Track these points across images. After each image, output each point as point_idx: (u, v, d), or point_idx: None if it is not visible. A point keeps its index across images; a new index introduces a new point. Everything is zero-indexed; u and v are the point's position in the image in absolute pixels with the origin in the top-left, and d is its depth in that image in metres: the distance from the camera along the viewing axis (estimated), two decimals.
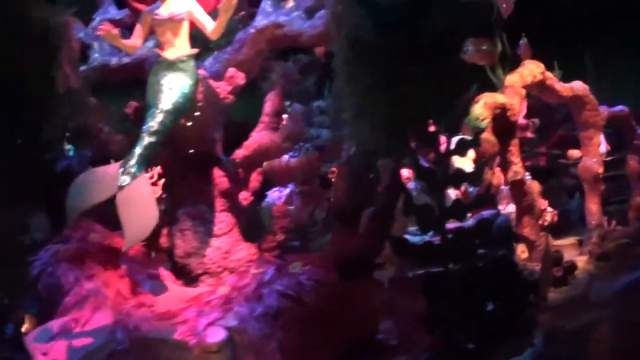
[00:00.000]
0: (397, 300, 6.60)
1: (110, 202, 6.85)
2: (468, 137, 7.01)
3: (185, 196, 7.81)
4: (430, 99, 5.97)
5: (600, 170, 11.18)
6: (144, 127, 7.20)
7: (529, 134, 13.66)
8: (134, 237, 6.73)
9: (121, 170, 6.86)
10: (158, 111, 7.19)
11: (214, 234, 7.65)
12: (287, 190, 10.66)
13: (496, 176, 11.40)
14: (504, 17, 9.77)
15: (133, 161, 6.96)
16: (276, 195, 10.91)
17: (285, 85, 8.23)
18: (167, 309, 6.78)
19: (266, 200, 10.86)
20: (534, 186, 10.14)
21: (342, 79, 6.11)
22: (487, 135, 8.92)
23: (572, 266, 9.66)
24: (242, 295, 6.45)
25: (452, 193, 10.67)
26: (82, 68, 8.51)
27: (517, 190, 9.67)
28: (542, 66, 10.26)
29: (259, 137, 7.61)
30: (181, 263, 7.67)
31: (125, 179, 6.79)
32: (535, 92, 10.55)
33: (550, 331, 8.07)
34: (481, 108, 9.02)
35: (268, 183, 10.97)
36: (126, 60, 8.00)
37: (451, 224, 7.37)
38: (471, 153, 9.02)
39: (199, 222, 7.72)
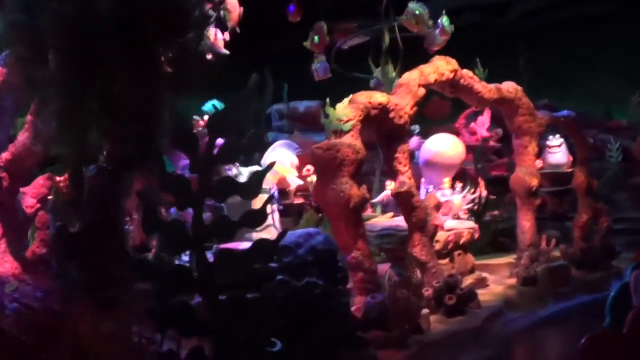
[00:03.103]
0: (135, 334, 5.43)
1: None
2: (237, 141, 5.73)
3: None
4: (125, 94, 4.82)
5: (535, 183, 9.82)
6: None
7: (493, 143, 12.46)
8: None
9: None
10: None
11: None
12: None
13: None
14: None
15: None
16: None
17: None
18: None
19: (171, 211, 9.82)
20: (430, 200, 8.86)
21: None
22: (351, 140, 7.74)
23: (470, 294, 8.34)
24: None
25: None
26: None
27: (405, 203, 8.47)
28: (453, 63, 8.99)
29: (21, 139, 6.59)
30: None
31: None
32: (449, 93, 9.27)
33: None
34: (346, 108, 7.88)
35: None
36: None
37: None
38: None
39: None
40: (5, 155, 6.66)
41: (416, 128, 13.86)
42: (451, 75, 8.97)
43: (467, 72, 9.22)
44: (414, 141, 13.69)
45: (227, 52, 8.25)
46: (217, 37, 8.08)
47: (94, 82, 4.82)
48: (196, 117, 10.48)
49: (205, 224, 5.56)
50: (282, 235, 5.74)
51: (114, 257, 5.27)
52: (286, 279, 6.07)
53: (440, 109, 13.61)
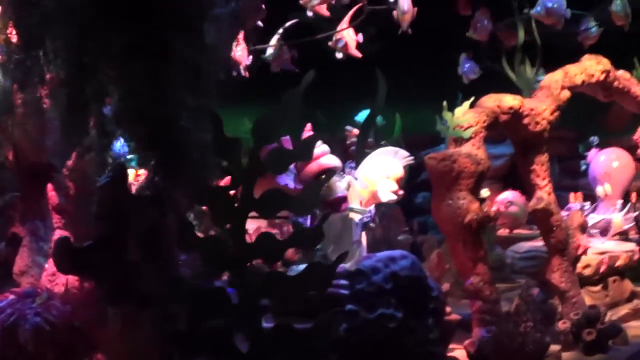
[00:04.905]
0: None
1: None
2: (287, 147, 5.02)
3: (26, 210, 6.85)
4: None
5: None
6: None
7: None
8: None
9: None
10: None
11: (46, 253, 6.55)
12: None
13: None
14: None
15: None
16: None
17: None
18: None
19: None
20: (573, 219, 7.75)
21: None
22: (471, 149, 6.83)
23: (613, 328, 7.19)
24: None
25: None
26: None
27: (543, 222, 7.47)
28: (605, 62, 7.90)
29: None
30: (17, 281, 6.71)
31: None
32: (602, 97, 8.17)
33: None
34: (467, 113, 6.97)
35: None
36: None
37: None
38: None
39: (34, 239, 6.77)
40: (70, 163, 6.29)
41: (594, 140, 12.70)
42: (602, 77, 7.88)
43: (622, 73, 8.11)
44: (592, 154, 12.55)
45: (296, 69, 7.67)
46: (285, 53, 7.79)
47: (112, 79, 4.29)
48: (348, 127, 9.83)
49: (248, 243, 4.81)
50: (339, 259, 4.88)
51: (132, 273, 4.64)
52: (354, 309, 5.26)
53: (620, 119, 12.36)
